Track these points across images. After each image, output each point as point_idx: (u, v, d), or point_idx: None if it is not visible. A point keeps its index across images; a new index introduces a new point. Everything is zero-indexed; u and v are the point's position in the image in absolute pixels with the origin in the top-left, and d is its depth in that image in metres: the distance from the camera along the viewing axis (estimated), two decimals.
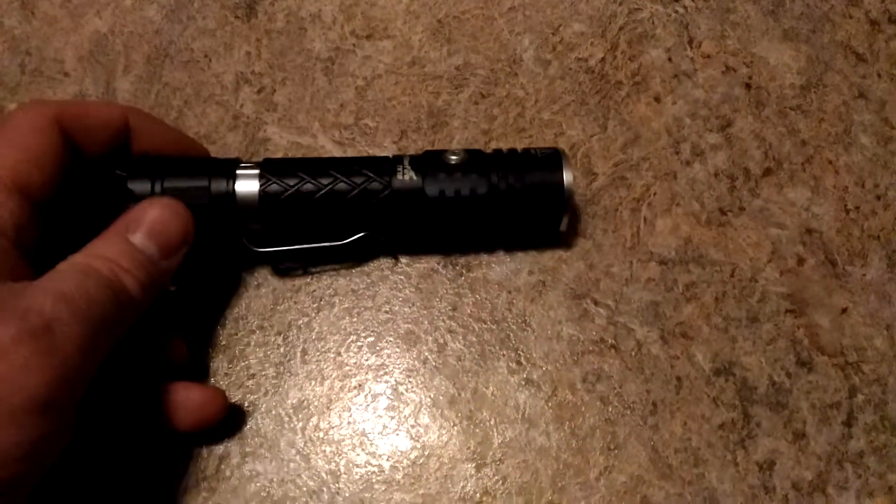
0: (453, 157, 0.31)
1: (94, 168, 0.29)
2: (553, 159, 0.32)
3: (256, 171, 0.31)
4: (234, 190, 0.30)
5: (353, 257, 0.34)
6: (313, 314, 0.33)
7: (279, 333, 0.33)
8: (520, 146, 0.36)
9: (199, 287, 0.33)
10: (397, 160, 0.32)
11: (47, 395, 0.22)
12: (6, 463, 0.21)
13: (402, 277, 0.34)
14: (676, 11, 0.39)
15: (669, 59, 0.38)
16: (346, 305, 0.34)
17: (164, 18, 0.40)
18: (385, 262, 0.34)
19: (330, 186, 0.31)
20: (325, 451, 0.31)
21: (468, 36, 0.39)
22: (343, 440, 0.31)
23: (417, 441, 0.31)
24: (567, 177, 0.31)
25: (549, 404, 0.32)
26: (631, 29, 0.39)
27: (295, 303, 0.34)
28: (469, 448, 0.31)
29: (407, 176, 0.31)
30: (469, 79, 0.38)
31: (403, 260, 0.34)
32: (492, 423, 0.31)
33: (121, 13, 0.40)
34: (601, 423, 0.31)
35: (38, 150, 0.26)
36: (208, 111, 0.37)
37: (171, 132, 0.32)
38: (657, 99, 0.37)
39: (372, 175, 0.31)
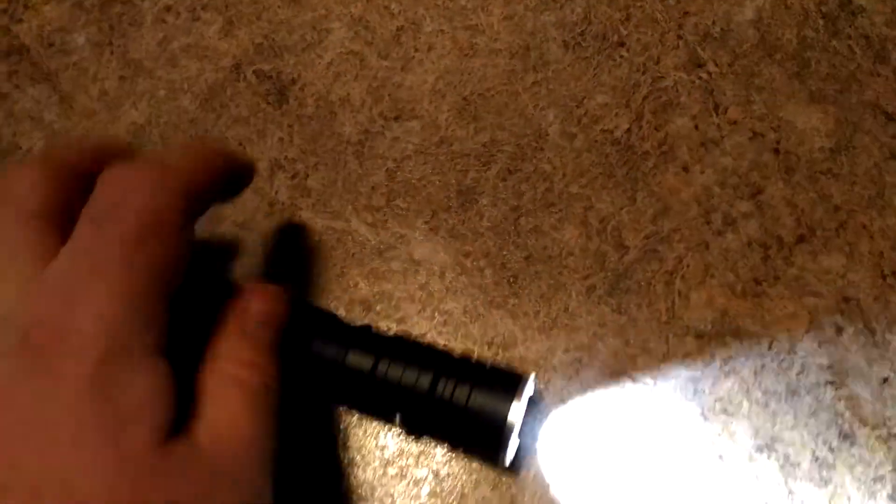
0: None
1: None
2: (510, 382, 0.29)
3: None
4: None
5: None
6: None
7: None
8: (549, 222, 0.37)
9: None
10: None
11: None
12: None
13: None
14: (700, 77, 0.40)
15: (696, 127, 0.38)
16: None
17: (199, 108, 0.41)
18: None
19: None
20: None
21: (493, 112, 0.40)
22: None
23: None
24: (514, 409, 0.28)
25: None
26: (655, 98, 0.39)
27: None
28: None
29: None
30: (496, 155, 0.39)
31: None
32: None
33: (156, 103, 0.41)
34: None
35: None
36: (245, 199, 0.38)
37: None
38: (685, 168, 0.38)
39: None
